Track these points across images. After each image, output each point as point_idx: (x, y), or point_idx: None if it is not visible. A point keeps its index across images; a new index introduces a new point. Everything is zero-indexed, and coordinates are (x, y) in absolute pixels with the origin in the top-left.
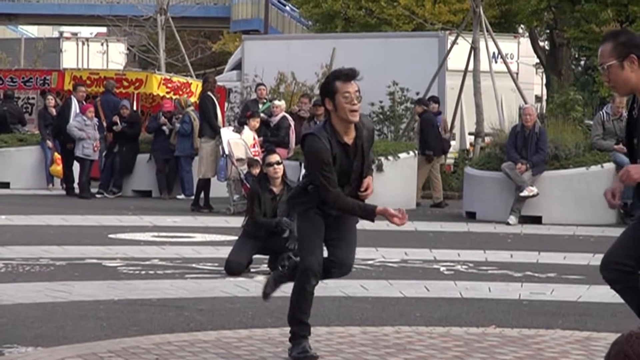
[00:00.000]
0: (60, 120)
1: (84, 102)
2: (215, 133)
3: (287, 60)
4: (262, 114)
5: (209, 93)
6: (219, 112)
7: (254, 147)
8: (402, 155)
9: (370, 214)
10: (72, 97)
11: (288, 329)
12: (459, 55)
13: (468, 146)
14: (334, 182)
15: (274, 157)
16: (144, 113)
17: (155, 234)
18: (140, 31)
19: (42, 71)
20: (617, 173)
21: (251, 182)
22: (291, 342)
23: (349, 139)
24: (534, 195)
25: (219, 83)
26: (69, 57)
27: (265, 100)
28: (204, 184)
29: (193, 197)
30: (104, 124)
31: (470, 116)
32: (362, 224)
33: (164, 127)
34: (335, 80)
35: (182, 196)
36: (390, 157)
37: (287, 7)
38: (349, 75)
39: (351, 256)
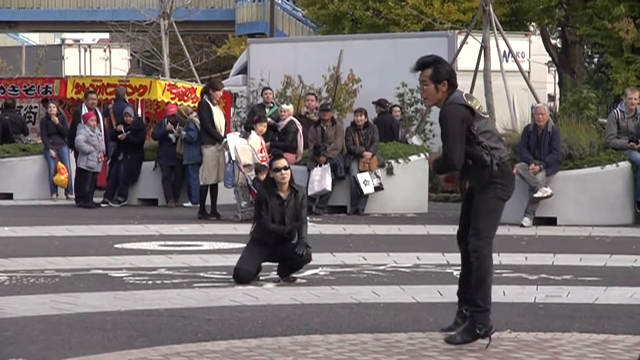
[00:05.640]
0: (74, 131)
1: (96, 110)
2: (213, 139)
3: (294, 63)
4: (269, 119)
5: (205, 98)
6: (218, 117)
7: (261, 152)
8: (413, 157)
9: None
10: (84, 105)
11: (298, 337)
12: (469, 55)
13: None
14: None
15: (282, 162)
16: (149, 120)
17: (162, 242)
18: (143, 36)
19: (44, 79)
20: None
21: (258, 188)
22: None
23: None
24: (548, 196)
25: (224, 88)
26: (71, 65)
27: (272, 105)
28: (205, 191)
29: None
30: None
31: None
32: (374, 229)
33: (170, 135)
34: None
35: (189, 204)
36: (400, 160)
37: (292, 8)
38: (416, 67)
39: (475, 223)
